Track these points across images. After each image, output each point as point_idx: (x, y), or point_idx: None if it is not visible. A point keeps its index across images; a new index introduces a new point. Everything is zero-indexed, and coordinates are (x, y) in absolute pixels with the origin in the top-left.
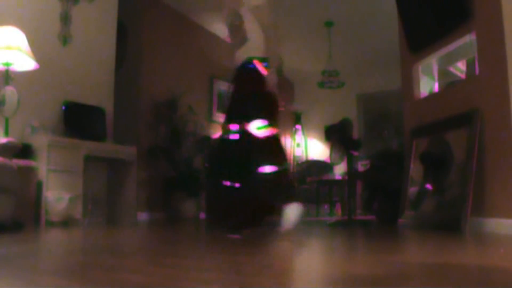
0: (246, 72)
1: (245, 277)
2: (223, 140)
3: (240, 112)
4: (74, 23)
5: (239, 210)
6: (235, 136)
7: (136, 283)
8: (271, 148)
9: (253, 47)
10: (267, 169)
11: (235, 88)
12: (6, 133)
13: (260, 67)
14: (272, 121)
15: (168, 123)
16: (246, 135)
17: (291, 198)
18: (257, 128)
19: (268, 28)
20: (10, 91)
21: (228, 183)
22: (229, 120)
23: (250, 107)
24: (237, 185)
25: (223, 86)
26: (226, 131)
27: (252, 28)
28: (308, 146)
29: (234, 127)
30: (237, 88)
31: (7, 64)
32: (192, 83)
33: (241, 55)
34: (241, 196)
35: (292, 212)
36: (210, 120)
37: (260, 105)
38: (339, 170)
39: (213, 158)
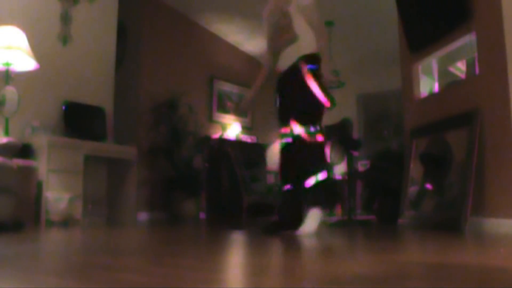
0: (293, 75)
1: (245, 277)
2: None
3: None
4: (74, 23)
5: (286, 211)
6: (289, 140)
7: (136, 283)
8: (321, 154)
9: (304, 46)
10: (320, 176)
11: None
12: (6, 133)
13: (305, 69)
14: (319, 127)
15: (168, 123)
16: (297, 140)
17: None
18: (308, 133)
19: (317, 26)
20: (10, 91)
21: (288, 187)
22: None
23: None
24: (288, 187)
25: (223, 86)
26: (281, 135)
27: (302, 27)
28: None
29: (286, 130)
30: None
31: (7, 64)
32: (192, 83)
33: (291, 54)
34: (291, 199)
35: (315, 217)
36: (210, 120)
37: (306, 110)
38: (339, 170)
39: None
